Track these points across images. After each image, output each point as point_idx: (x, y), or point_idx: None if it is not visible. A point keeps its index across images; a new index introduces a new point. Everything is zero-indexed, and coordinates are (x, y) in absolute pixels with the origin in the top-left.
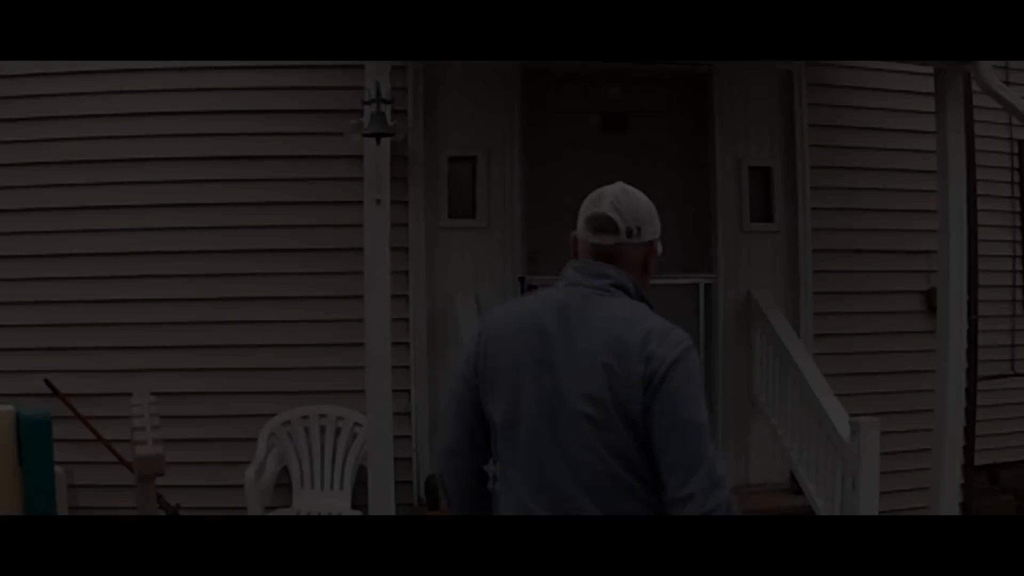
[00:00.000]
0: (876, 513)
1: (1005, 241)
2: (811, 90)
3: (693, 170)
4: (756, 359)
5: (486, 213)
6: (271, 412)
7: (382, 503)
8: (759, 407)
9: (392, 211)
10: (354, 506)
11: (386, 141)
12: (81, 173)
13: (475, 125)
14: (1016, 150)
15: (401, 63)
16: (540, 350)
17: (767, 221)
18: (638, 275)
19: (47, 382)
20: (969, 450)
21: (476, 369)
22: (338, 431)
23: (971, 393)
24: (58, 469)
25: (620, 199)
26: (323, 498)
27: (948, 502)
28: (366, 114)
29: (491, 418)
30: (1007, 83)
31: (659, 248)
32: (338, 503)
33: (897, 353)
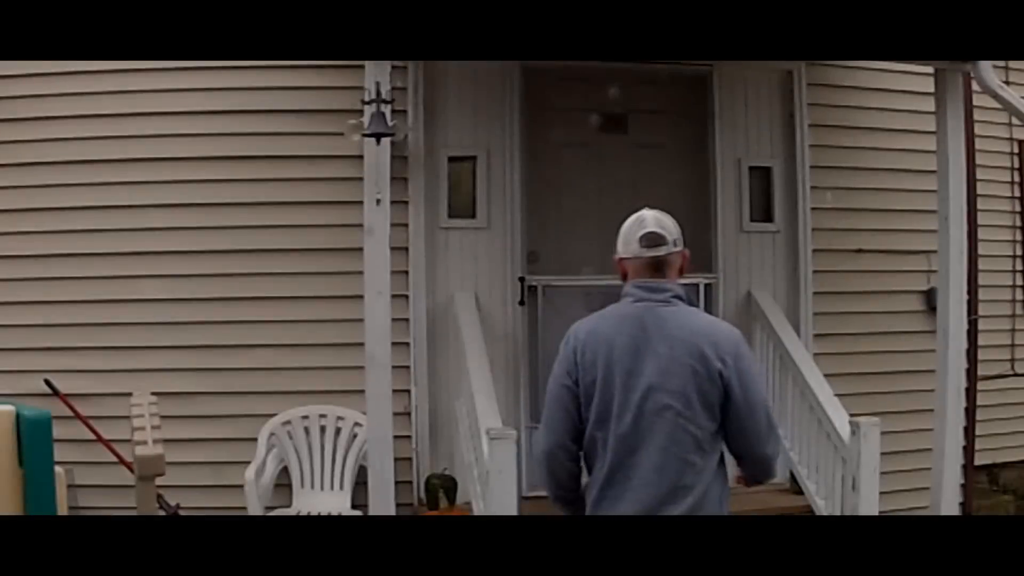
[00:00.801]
0: (876, 513)
1: (1005, 241)
2: (811, 90)
3: (693, 170)
4: (756, 359)
5: (486, 213)
6: (271, 412)
7: (382, 503)
8: None
9: (392, 211)
10: (354, 506)
11: (386, 141)
12: (81, 173)
13: (475, 125)
14: (1016, 150)
15: (401, 63)
16: (628, 360)
17: (767, 221)
18: (678, 277)
19: (47, 382)
20: (969, 450)
21: (575, 379)
22: (338, 431)
23: (971, 393)
24: (58, 469)
25: (660, 218)
26: (323, 498)
27: (948, 502)
28: (366, 114)
29: (586, 420)
30: (1007, 83)
31: (688, 253)
32: (338, 503)
33: (897, 353)
